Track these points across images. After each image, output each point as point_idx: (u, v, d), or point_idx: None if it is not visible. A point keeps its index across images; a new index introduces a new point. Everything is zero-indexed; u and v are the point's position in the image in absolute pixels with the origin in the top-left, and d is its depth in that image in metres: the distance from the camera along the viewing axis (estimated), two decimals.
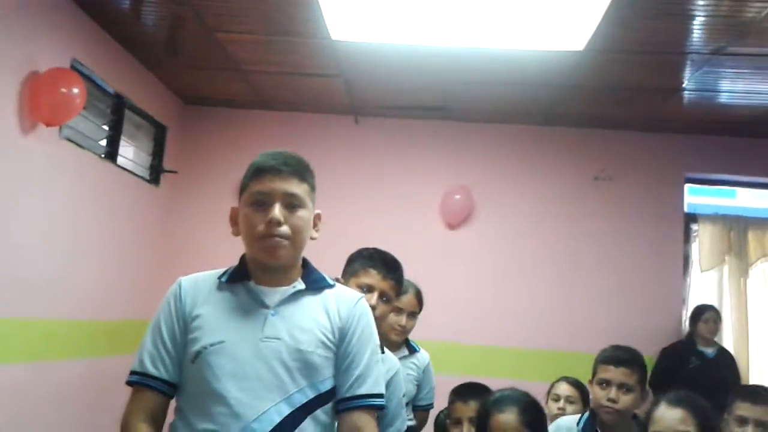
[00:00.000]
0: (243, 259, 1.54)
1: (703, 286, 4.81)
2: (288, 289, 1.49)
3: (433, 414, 2.97)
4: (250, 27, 3.57)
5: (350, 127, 5.00)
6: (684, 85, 3.99)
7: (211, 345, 1.42)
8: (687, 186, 4.93)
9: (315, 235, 1.55)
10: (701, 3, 3.00)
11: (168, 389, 1.46)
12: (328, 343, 1.46)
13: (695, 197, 5.09)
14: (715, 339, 4.43)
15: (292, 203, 1.46)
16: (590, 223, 4.81)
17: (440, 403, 2.81)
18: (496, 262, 4.80)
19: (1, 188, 3.01)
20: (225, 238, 1.69)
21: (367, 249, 2.10)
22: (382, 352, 1.93)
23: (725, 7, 3.01)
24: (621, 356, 2.24)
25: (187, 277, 1.53)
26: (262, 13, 3.37)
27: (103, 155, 3.97)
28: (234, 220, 1.53)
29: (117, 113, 4.10)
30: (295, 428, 1.39)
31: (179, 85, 4.69)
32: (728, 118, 4.48)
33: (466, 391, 2.43)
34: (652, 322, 4.61)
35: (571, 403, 2.91)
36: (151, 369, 1.45)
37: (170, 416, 1.49)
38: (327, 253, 2.14)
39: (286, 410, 1.39)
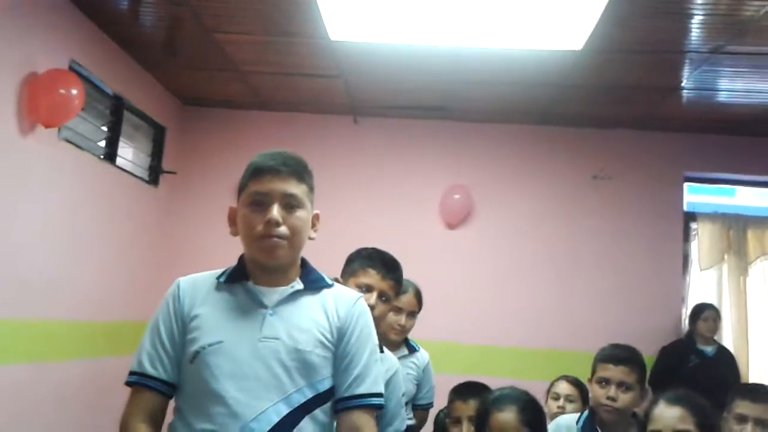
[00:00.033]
0: (241, 259, 1.54)
1: (703, 284, 4.81)
2: (286, 289, 1.49)
3: (432, 413, 2.98)
4: (249, 27, 3.57)
5: (349, 128, 5.00)
6: (683, 84, 3.99)
7: (210, 345, 1.42)
8: (686, 185, 4.94)
9: (313, 235, 1.55)
10: (699, 2, 3.00)
11: (167, 389, 1.46)
12: (327, 342, 1.46)
13: (694, 196, 5.09)
14: (715, 338, 4.43)
15: (290, 203, 1.46)
16: (589, 223, 4.81)
17: (440, 402, 2.81)
18: (495, 262, 4.80)
19: (0, 190, 3.01)
20: (224, 238, 1.69)
21: (366, 249, 2.10)
22: (381, 352, 1.93)
23: (723, 5, 3.01)
24: (620, 355, 2.24)
25: (186, 278, 1.54)
26: (260, 13, 3.37)
27: (102, 156, 3.97)
28: (232, 220, 1.53)
29: (116, 114, 4.10)
30: (294, 428, 1.39)
31: (178, 86, 4.69)
32: (727, 116, 4.48)
33: (465, 390, 2.43)
34: (652, 320, 4.61)
35: (571, 401, 2.91)
36: (149, 369, 1.45)
37: (169, 416, 1.49)
38: (326, 253, 2.15)
39: (285, 410, 1.39)
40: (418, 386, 2.80)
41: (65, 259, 3.58)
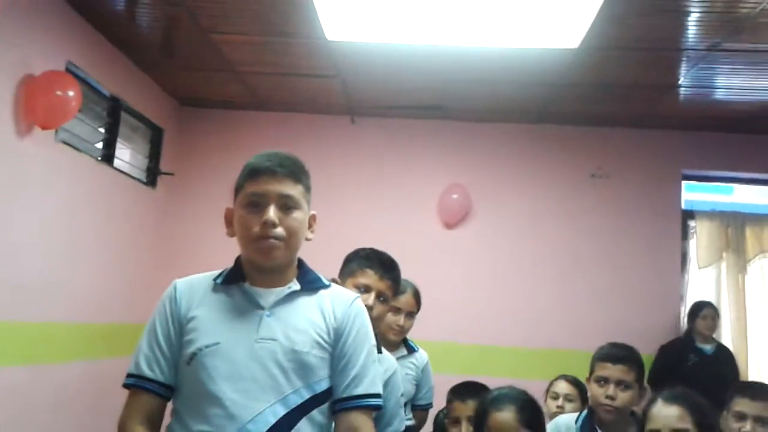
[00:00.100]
0: (238, 260, 1.54)
1: (701, 282, 4.81)
2: (283, 290, 1.49)
3: (432, 413, 2.97)
4: (245, 28, 3.56)
5: (346, 128, 5.00)
6: (680, 82, 3.99)
7: (207, 347, 1.41)
8: (684, 183, 4.94)
9: (310, 236, 1.54)
10: None
11: (164, 391, 1.46)
12: (324, 343, 1.46)
13: (692, 194, 5.09)
14: (714, 336, 4.43)
15: (287, 204, 1.46)
16: (587, 221, 4.81)
17: (439, 402, 2.81)
18: (493, 261, 4.80)
19: None
20: (222, 239, 1.68)
21: (364, 249, 2.10)
22: (380, 352, 1.93)
23: (720, 3, 3.01)
24: (618, 353, 2.23)
25: (182, 280, 1.53)
26: (256, 14, 3.37)
27: (99, 158, 3.96)
28: (229, 221, 1.53)
29: (113, 116, 4.09)
30: (291, 429, 1.39)
31: (175, 87, 4.69)
32: (724, 114, 4.48)
33: (464, 391, 2.43)
34: (651, 319, 4.61)
35: (570, 401, 2.90)
36: (147, 371, 1.45)
37: (167, 418, 1.48)
38: (324, 253, 2.15)
39: (282, 411, 1.38)
40: (418, 386, 2.80)
41: (63, 261, 3.57)
